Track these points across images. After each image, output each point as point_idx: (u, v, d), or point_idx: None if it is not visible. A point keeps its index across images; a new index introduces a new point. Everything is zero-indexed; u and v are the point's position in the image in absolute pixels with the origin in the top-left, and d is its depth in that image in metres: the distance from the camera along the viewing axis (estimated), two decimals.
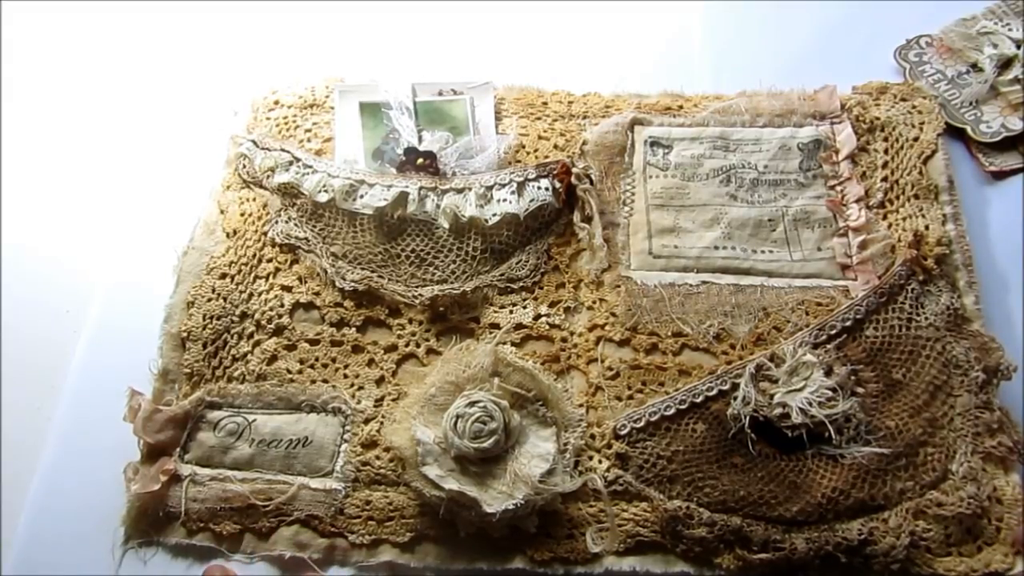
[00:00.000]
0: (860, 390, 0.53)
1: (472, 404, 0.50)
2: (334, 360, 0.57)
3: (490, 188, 0.60)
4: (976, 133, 0.65)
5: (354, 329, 0.58)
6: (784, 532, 0.50)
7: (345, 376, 0.56)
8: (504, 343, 0.56)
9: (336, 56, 0.72)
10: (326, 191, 0.60)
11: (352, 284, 0.58)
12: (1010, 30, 0.68)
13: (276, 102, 0.68)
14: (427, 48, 0.73)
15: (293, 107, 0.67)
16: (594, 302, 0.58)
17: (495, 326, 0.58)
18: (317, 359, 0.57)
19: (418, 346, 0.57)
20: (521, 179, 0.61)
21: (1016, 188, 0.64)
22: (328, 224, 0.61)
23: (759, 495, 0.50)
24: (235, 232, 0.61)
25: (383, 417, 0.54)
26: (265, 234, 0.61)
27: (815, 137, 0.64)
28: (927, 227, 0.59)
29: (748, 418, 0.51)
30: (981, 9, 0.71)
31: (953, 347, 0.54)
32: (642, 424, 0.53)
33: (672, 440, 0.53)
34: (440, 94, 0.66)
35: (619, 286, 0.59)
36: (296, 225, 0.61)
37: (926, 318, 0.55)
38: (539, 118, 0.67)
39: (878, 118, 0.64)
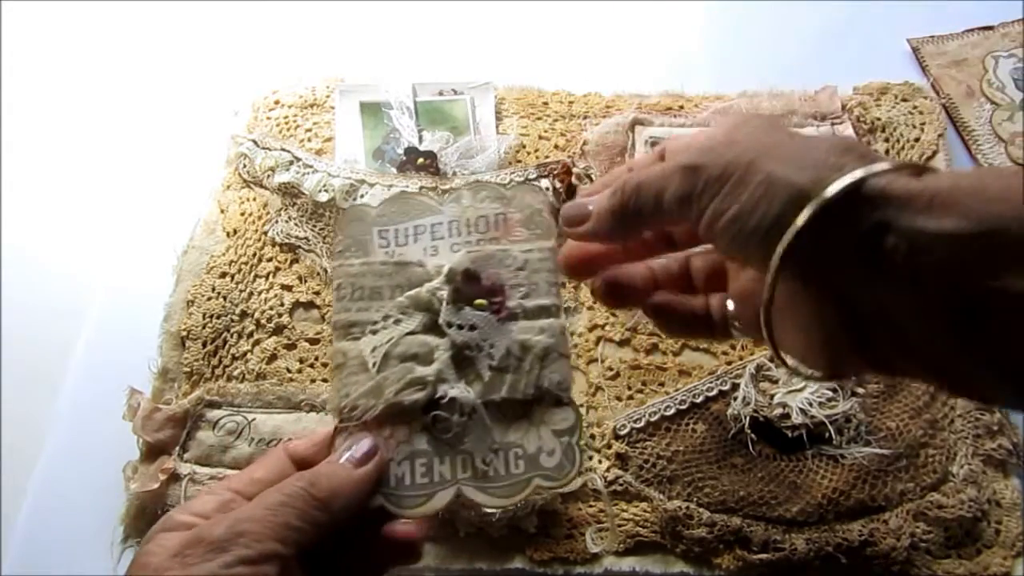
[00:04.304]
0: (860, 390, 0.53)
1: None
2: None
3: None
4: None
5: None
6: (784, 532, 0.49)
7: None
8: None
9: (336, 56, 0.72)
10: (326, 191, 0.60)
11: None
12: None
13: (276, 102, 0.67)
14: (427, 48, 0.73)
15: (293, 107, 0.67)
16: (594, 302, 0.58)
17: None
18: (317, 358, 0.57)
19: None
20: (522, 179, 0.60)
21: None
22: (328, 224, 0.61)
23: (759, 495, 0.50)
24: (235, 231, 0.61)
25: None
26: (265, 233, 0.61)
27: None
28: None
29: (748, 418, 0.51)
30: None
31: None
32: (642, 424, 0.53)
33: (672, 440, 0.53)
34: (440, 94, 0.66)
35: None
36: (296, 225, 0.61)
37: None
38: (540, 118, 0.66)
39: (879, 119, 0.64)
